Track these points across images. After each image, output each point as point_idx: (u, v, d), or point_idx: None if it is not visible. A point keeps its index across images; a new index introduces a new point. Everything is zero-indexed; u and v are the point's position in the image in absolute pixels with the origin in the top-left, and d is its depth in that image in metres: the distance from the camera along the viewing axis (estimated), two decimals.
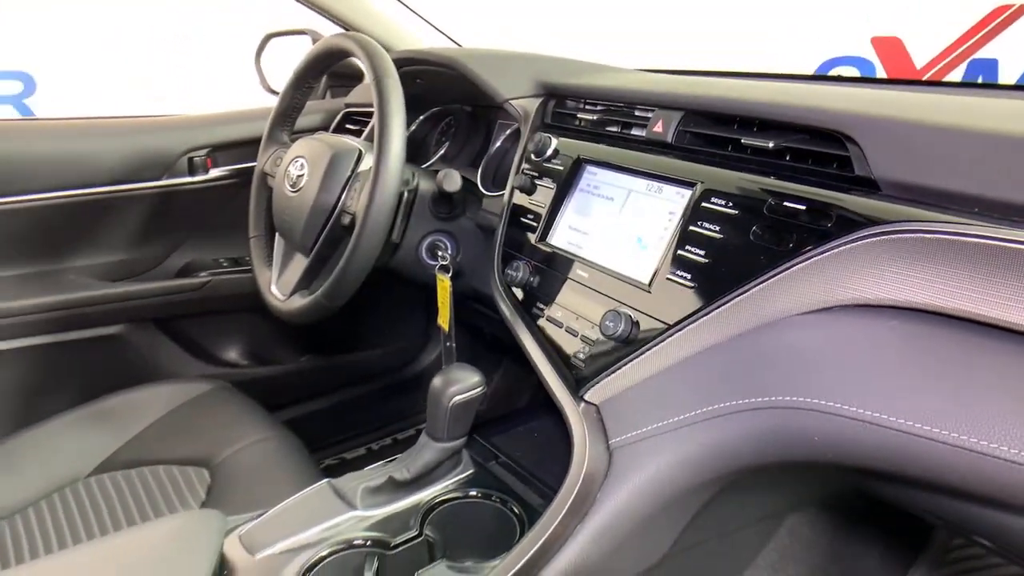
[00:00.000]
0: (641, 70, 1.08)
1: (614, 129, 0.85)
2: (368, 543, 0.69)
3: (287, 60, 1.30)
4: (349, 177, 0.93)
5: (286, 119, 1.10)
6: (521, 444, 0.87)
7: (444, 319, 0.98)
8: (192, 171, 1.34)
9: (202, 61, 3.15)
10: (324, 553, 0.67)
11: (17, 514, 0.96)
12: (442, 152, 1.23)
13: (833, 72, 2.56)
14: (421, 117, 1.25)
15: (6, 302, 1.18)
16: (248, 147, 1.33)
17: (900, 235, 0.54)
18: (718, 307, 0.63)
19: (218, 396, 1.15)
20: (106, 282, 1.29)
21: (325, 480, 0.77)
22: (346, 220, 0.91)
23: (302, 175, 0.96)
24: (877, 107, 0.61)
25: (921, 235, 0.53)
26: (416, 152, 1.26)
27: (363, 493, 0.74)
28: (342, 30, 1.38)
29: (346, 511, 0.72)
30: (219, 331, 1.40)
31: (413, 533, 0.71)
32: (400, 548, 0.69)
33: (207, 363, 1.36)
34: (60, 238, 1.26)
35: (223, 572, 0.64)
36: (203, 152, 1.35)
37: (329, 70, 1.05)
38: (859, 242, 0.56)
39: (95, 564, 0.62)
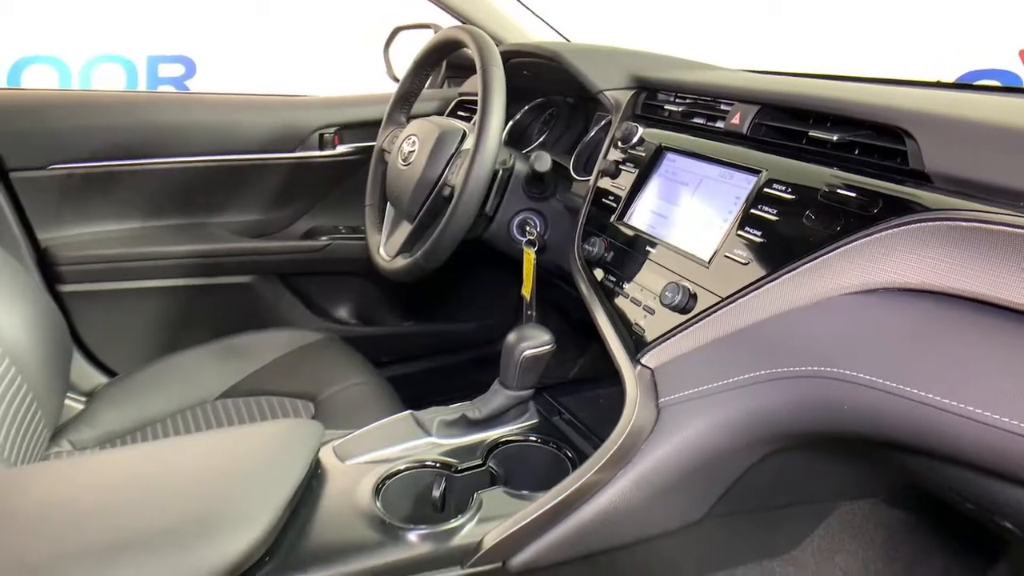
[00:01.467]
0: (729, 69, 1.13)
1: (697, 121, 0.91)
2: (438, 465, 0.79)
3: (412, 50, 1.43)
4: (452, 154, 1.04)
5: (404, 103, 1.23)
6: (586, 406, 0.95)
7: (527, 289, 1.07)
8: (321, 146, 1.50)
9: (340, 49, 3.39)
10: (401, 468, 0.78)
11: (158, 423, 1.14)
12: (542, 139, 1.32)
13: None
14: (527, 106, 1.35)
15: (161, 247, 1.38)
16: (371, 128, 1.47)
17: (943, 223, 0.58)
18: (767, 283, 0.68)
19: (327, 345, 1.30)
20: (242, 238, 1.47)
21: (408, 411, 0.88)
22: (446, 192, 1.02)
23: (413, 151, 1.08)
24: (934, 105, 0.64)
25: (964, 223, 0.57)
26: (520, 137, 1.36)
27: (439, 425, 0.85)
28: (460, 23, 1.50)
29: (423, 437, 0.83)
30: (333, 290, 1.56)
31: (478, 462, 0.80)
32: (465, 472, 0.79)
33: (319, 317, 1.53)
34: (207, 197, 1.46)
35: (317, 471, 0.76)
36: (332, 130, 1.50)
37: (444, 59, 1.17)
38: (903, 227, 0.60)
39: (208, 446, 0.76)
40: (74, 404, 1.25)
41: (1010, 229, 0.54)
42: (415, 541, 0.69)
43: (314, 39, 3.52)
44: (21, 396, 0.97)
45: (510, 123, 1.34)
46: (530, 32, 1.50)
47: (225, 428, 1.06)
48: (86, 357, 1.36)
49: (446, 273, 1.50)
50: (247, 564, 0.62)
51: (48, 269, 1.31)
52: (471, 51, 1.02)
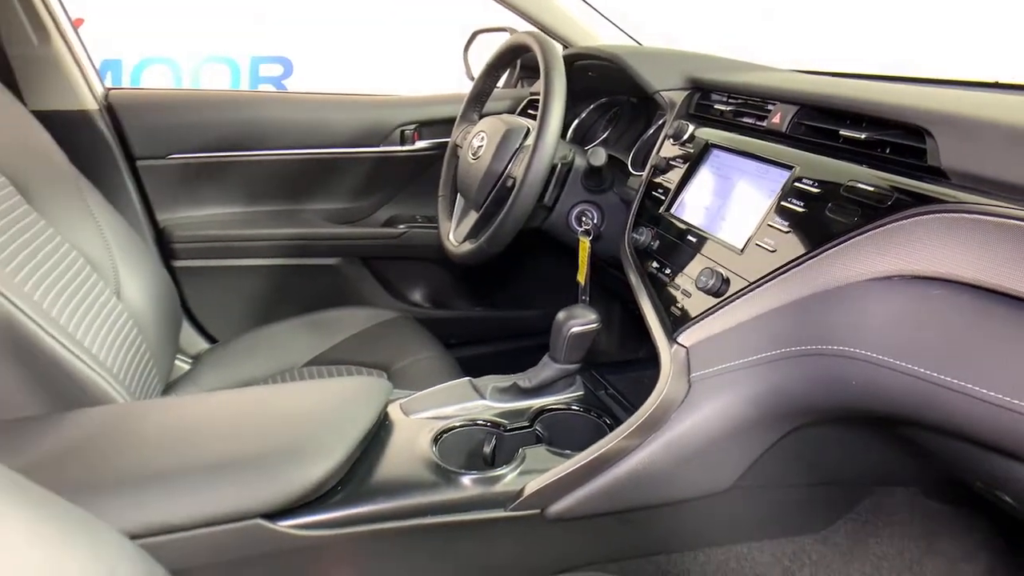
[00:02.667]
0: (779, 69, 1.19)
1: (744, 120, 0.97)
2: (489, 424, 0.89)
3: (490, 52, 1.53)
4: (516, 149, 1.13)
5: (477, 102, 1.33)
6: (630, 383, 1.02)
7: (581, 275, 1.16)
8: (402, 142, 1.63)
9: (423, 50, 3.55)
10: (457, 424, 0.89)
11: (252, 385, 1.29)
12: (605, 136, 1.40)
13: None
14: (592, 105, 1.43)
15: (260, 230, 1.55)
16: (447, 124, 1.58)
17: (953, 215, 0.63)
18: (791, 269, 0.74)
19: (401, 324, 1.43)
20: (330, 223, 1.62)
21: (467, 378, 0.98)
22: (509, 183, 1.11)
23: (481, 146, 1.18)
24: (954, 105, 0.69)
25: (972, 215, 0.62)
26: (585, 134, 1.44)
27: (492, 390, 0.95)
28: (533, 28, 1.60)
29: (478, 400, 0.93)
30: (408, 274, 1.69)
31: (525, 424, 0.90)
32: (512, 432, 0.89)
33: (395, 298, 1.66)
34: (301, 186, 1.61)
35: (385, 421, 0.88)
36: (412, 127, 1.63)
37: (513, 63, 1.26)
38: (914, 219, 0.65)
39: (296, 394, 0.88)
40: (182, 365, 1.43)
41: (1015, 222, 0.59)
42: (466, 484, 0.79)
43: (400, 40, 3.70)
44: (141, 354, 1.13)
45: (576, 121, 1.42)
46: (598, 34, 1.57)
47: (309, 381, 1.19)
48: (193, 325, 1.54)
49: (513, 262, 1.60)
50: (323, 490, 0.74)
51: (164, 246, 1.49)
52: (536, 55, 1.11)
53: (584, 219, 1.16)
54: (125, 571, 0.52)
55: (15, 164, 1.07)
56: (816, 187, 0.76)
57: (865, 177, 0.72)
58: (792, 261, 0.74)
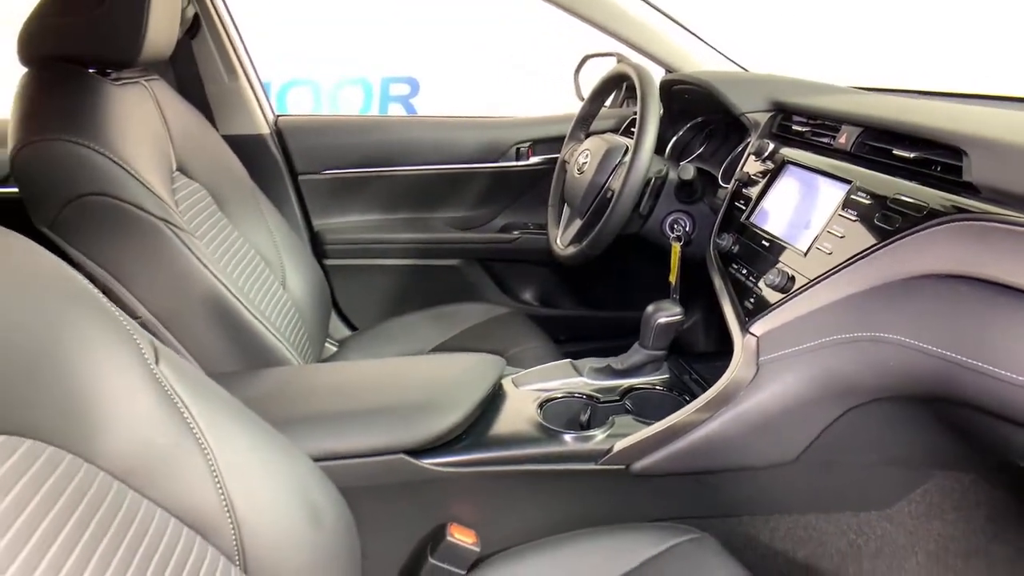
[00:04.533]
0: (859, 88, 1.30)
1: (818, 140, 1.10)
2: (585, 396, 1.07)
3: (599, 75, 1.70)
4: (616, 165, 1.31)
5: (583, 123, 1.51)
6: (711, 371, 1.16)
7: (672, 276, 1.31)
8: (518, 157, 1.84)
9: (536, 73, 3.78)
10: (558, 395, 1.07)
11: None
12: (700, 151, 1.54)
13: None
14: (689, 124, 1.58)
15: (395, 234, 1.80)
16: (558, 142, 1.77)
17: (981, 223, 0.75)
18: (844, 269, 0.87)
19: (514, 319, 1.63)
20: (454, 230, 1.85)
21: (568, 360, 1.16)
22: (609, 195, 1.29)
23: (586, 162, 1.36)
24: (986, 128, 0.80)
25: (995, 224, 0.73)
26: (681, 151, 1.58)
27: (589, 370, 1.12)
28: (637, 54, 1.76)
29: (577, 377, 1.11)
30: (521, 275, 1.89)
31: (616, 398, 1.07)
32: (605, 404, 1.06)
33: (509, 296, 1.86)
34: (427, 197, 1.85)
35: (500, 391, 1.07)
36: (527, 144, 1.83)
37: (615, 89, 1.43)
38: (946, 226, 0.77)
39: (430, 363, 1.09)
40: (330, 347, 1.69)
41: None
42: (565, 441, 0.98)
43: (517, 60, 3.95)
44: (301, 335, 1.39)
45: (674, 138, 1.57)
46: (700, 60, 1.71)
47: (439, 355, 1.42)
48: (338, 314, 1.82)
49: (616, 266, 1.76)
50: (451, 436, 0.94)
51: (318, 247, 1.77)
52: (635, 84, 1.28)
53: (676, 226, 1.32)
54: (312, 481, 0.75)
55: (214, 180, 1.35)
56: (868, 199, 0.89)
57: (908, 190, 0.84)
58: (844, 262, 0.87)
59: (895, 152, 0.90)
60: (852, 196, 0.92)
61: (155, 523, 0.58)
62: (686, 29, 1.73)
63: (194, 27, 1.56)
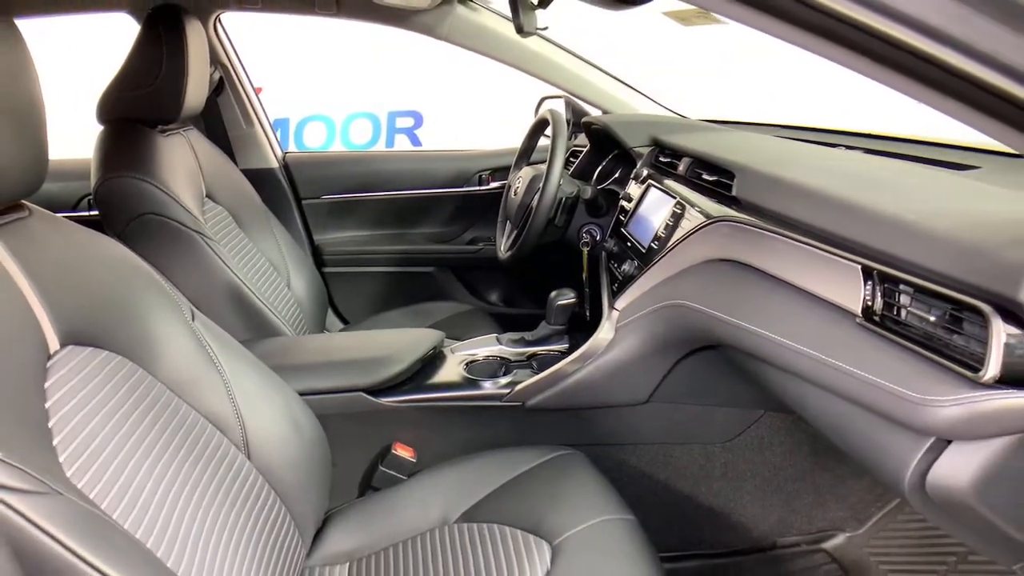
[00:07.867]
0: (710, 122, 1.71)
1: (673, 168, 1.49)
2: (499, 358, 1.46)
3: None
4: (537, 189, 1.70)
5: (524, 155, 1.92)
6: None
7: (585, 274, 1.69)
8: (480, 183, 2.25)
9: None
10: (479, 357, 1.46)
11: None
12: (616, 176, 1.93)
13: None
14: (611, 155, 1.97)
15: (381, 247, 2.22)
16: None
17: (737, 225, 1.13)
18: (663, 258, 1.26)
19: (474, 314, 2.02)
20: (429, 242, 2.26)
21: (494, 334, 1.55)
22: (531, 211, 1.68)
23: (519, 186, 1.76)
24: (750, 156, 1.18)
25: (746, 227, 1.11)
26: (606, 176, 1.97)
27: (507, 340, 1.51)
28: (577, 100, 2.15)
29: (497, 346, 1.50)
30: (484, 280, 2.29)
31: (524, 360, 1.46)
32: (516, 363, 1.45)
33: (474, 297, 2.26)
34: (408, 216, 2.26)
35: (438, 353, 1.47)
36: (488, 172, 2.24)
37: (544, 130, 1.83)
38: (716, 225, 1.15)
39: (383, 334, 1.50)
40: None
41: (769, 232, 1.08)
42: (482, 386, 1.36)
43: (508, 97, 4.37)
44: (301, 326, 1.79)
45: (599, 166, 1.96)
46: (628, 102, 2.10)
47: (396, 329, 1.81)
48: (334, 311, 2.23)
49: (559, 272, 2.13)
50: (397, 381, 1.34)
51: (318, 257, 2.19)
52: (552, 125, 1.68)
53: (586, 235, 1.70)
54: (296, 406, 1.14)
55: (234, 204, 1.77)
56: (679, 208, 1.28)
57: (701, 202, 1.22)
58: (664, 254, 1.26)
59: (704, 176, 1.29)
60: (674, 208, 1.31)
61: (190, 419, 0.95)
62: (617, 79, 2.14)
63: (219, 87, 2.00)
